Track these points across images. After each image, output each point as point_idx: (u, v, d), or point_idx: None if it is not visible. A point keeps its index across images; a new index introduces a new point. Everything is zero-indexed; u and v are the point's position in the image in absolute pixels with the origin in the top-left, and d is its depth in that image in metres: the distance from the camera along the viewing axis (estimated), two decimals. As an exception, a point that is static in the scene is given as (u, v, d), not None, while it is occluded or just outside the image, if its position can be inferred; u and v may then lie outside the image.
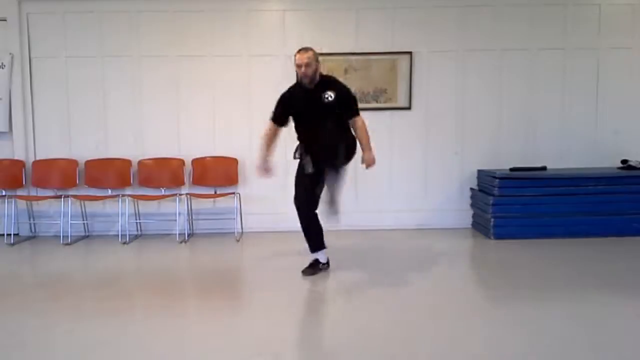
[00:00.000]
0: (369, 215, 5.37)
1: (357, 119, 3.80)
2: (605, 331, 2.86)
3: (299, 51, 3.72)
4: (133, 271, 4.32)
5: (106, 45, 5.31)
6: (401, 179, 5.46)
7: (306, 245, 4.01)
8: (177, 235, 5.10)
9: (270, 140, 3.98)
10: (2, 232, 5.15)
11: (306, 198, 3.90)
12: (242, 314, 3.29)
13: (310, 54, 3.69)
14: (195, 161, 5.34)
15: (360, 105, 3.91)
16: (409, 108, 5.38)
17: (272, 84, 5.29)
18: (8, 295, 3.60)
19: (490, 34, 5.34)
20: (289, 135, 5.14)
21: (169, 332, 2.91)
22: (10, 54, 5.27)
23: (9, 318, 3.15)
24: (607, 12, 5.34)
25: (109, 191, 5.26)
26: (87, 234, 5.36)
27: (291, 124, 4.03)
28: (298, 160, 4.00)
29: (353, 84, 4.65)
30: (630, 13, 5.36)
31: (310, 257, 4.01)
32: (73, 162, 5.30)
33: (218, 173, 5.33)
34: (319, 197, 3.95)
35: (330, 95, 3.72)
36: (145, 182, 5.31)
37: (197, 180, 5.31)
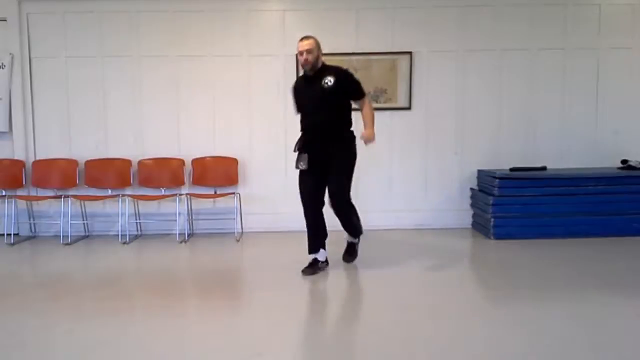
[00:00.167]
0: (369, 215, 5.34)
1: (364, 99, 3.89)
2: (605, 331, 2.86)
3: (301, 39, 3.80)
4: (133, 271, 4.32)
5: (106, 45, 5.31)
6: (401, 179, 5.46)
7: (307, 244, 4.02)
8: (177, 235, 5.10)
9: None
10: (2, 232, 5.15)
11: (309, 195, 3.91)
12: (242, 314, 3.29)
13: (311, 41, 3.77)
14: (195, 161, 5.34)
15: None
16: (409, 108, 5.38)
17: (272, 84, 5.34)
18: (8, 295, 3.60)
19: (490, 34, 5.34)
20: (288, 134, 5.17)
21: (169, 332, 2.91)
22: (10, 54, 5.27)
23: (9, 318, 3.15)
24: (607, 12, 5.34)
25: (109, 191, 5.26)
26: (87, 234, 5.37)
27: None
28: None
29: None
30: (630, 13, 5.36)
31: (309, 257, 4.01)
32: (73, 162, 5.31)
33: (218, 173, 5.33)
34: (322, 195, 3.95)
35: (329, 80, 3.77)
36: (145, 182, 5.31)
37: (197, 180, 5.32)
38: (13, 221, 5.13)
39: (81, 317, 3.14)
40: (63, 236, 5.04)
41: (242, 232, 5.31)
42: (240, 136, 5.39)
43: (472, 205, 5.43)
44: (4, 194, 5.24)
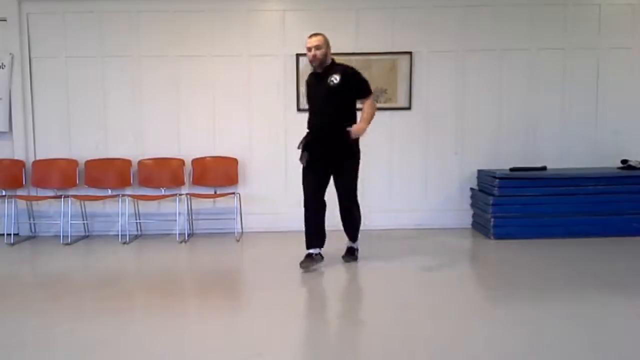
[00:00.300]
0: (369, 215, 5.35)
1: (368, 99, 3.94)
2: (605, 331, 2.86)
3: (310, 36, 3.87)
4: (133, 271, 4.32)
5: (106, 45, 5.31)
6: (401, 179, 5.46)
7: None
8: (177, 235, 5.10)
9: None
10: (2, 232, 5.15)
11: (312, 194, 3.96)
12: (242, 314, 3.29)
13: (320, 37, 3.84)
14: (195, 161, 5.34)
15: (361, 106, 3.96)
16: (409, 108, 5.38)
17: (272, 84, 5.34)
18: (8, 295, 3.60)
19: (490, 34, 5.33)
20: (288, 134, 5.17)
21: (169, 332, 2.91)
22: (10, 54, 5.27)
23: (9, 318, 3.15)
24: (607, 12, 5.34)
25: (109, 191, 5.26)
26: (87, 234, 5.36)
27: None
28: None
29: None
30: (630, 13, 5.36)
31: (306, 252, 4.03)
32: (73, 162, 5.31)
33: (218, 173, 5.33)
34: (323, 194, 4.02)
35: (335, 78, 3.83)
36: (145, 182, 5.31)
37: (197, 180, 5.31)
38: (13, 221, 5.13)
39: (81, 317, 3.14)
40: (63, 236, 5.04)
41: (242, 232, 5.31)
42: (240, 136, 5.39)
43: (472, 205, 5.43)
44: (4, 194, 5.24)
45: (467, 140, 5.43)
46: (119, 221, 5.14)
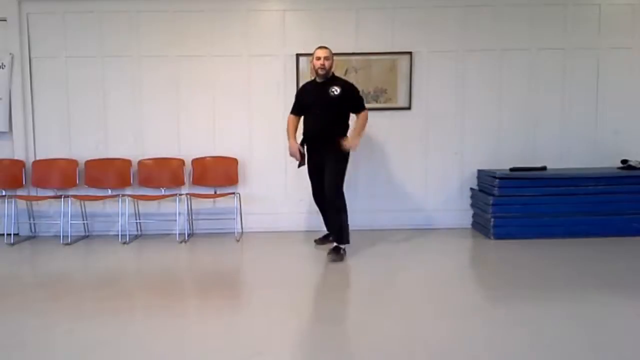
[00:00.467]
0: (369, 215, 5.37)
1: (363, 113, 4.35)
2: (605, 331, 2.86)
3: (319, 47, 4.26)
4: (133, 271, 4.32)
5: (106, 45, 5.31)
6: (401, 179, 5.45)
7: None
8: (177, 235, 5.10)
9: (294, 128, 4.45)
10: (2, 232, 5.15)
11: (316, 194, 4.44)
12: (242, 314, 3.29)
13: (329, 50, 4.26)
14: (195, 161, 5.34)
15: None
16: (409, 108, 5.38)
17: (272, 84, 5.34)
18: (8, 295, 3.60)
19: (490, 34, 5.33)
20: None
21: (169, 332, 2.91)
22: (10, 54, 5.27)
23: (9, 318, 3.16)
24: (607, 12, 5.34)
25: (109, 191, 5.26)
26: (87, 234, 5.36)
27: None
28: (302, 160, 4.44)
29: (353, 84, 4.66)
30: (630, 13, 5.36)
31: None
32: (73, 162, 5.31)
33: (218, 173, 5.33)
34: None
35: (336, 90, 4.20)
36: (145, 182, 5.31)
37: (197, 180, 5.31)
38: (13, 221, 5.13)
39: (81, 317, 3.14)
40: (63, 236, 5.04)
41: (242, 232, 5.30)
42: (240, 136, 5.39)
43: (472, 205, 5.43)
44: (4, 194, 5.24)
45: (467, 140, 5.43)
46: (119, 221, 5.14)
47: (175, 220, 5.13)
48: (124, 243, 5.00)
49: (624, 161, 5.26)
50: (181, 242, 5.03)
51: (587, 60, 5.39)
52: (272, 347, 2.69)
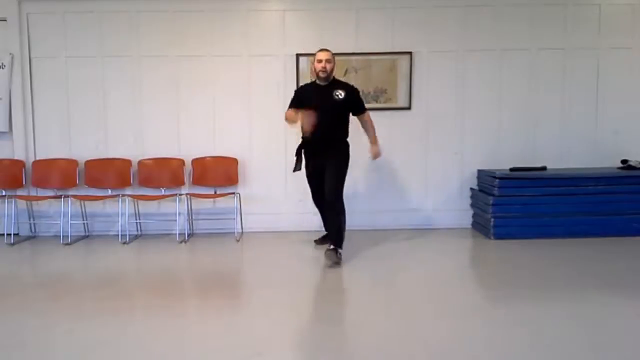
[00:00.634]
0: (369, 215, 5.37)
1: (366, 114, 4.36)
2: (605, 331, 2.86)
3: (321, 50, 4.20)
4: (133, 271, 4.32)
5: (106, 45, 5.31)
6: (401, 179, 5.45)
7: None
8: (177, 235, 5.10)
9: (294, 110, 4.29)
10: (2, 232, 5.15)
11: (317, 198, 4.40)
12: (242, 314, 3.29)
13: (330, 52, 4.20)
14: (195, 161, 5.34)
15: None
16: (409, 108, 5.38)
17: (272, 84, 5.34)
18: (8, 295, 3.60)
19: (490, 34, 5.33)
20: (288, 134, 5.17)
21: (169, 332, 2.91)
22: (10, 54, 5.27)
23: (9, 318, 3.16)
24: (607, 12, 5.34)
25: (109, 191, 5.26)
26: (87, 234, 5.36)
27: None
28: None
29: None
30: (630, 13, 5.36)
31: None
32: (73, 162, 5.31)
33: (218, 173, 5.33)
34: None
35: (340, 93, 4.20)
36: (145, 182, 5.31)
37: (197, 180, 5.31)
38: (13, 221, 5.13)
39: (81, 317, 3.14)
40: (63, 236, 5.04)
41: (242, 232, 5.30)
42: (240, 136, 5.39)
43: (472, 205, 5.43)
44: (4, 194, 5.24)
45: (467, 140, 5.43)
46: (119, 221, 5.14)
47: (175, 220, 5.13)
48: (124, 243, 5.00)
49: (624, 161, 5.26)
50: (181, 242, 5.03)
51: (587, 60, 5.39)
52: (272, 347, 2.69)
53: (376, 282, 3.85)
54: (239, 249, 4.86)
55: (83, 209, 5.32)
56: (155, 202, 5.29)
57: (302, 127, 4.23)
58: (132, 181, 5.29)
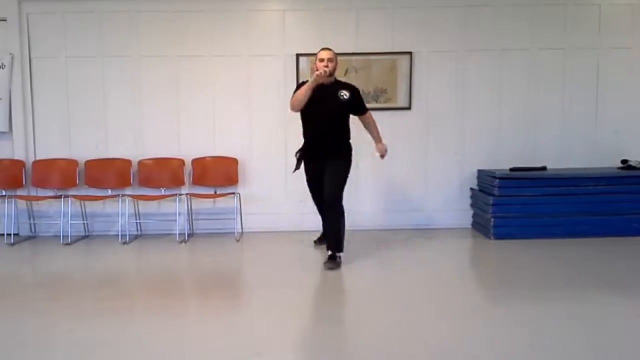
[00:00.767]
0: (369, 215, 5.37)
1: (368, 114, 4.29)
2: (605, 331, 2.86)
3: (323, 49, 4.11)
4: (133, 271, 4.32)
5: (106, 45, 5.30)
6: (401, 178, 5.46)
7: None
8: (177, 235, 5.10)
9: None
10: (2, 232, 5.15)
11: (318, 195, 4.29)
12: (242, 314, 3.29)
13: (332, 52, 4.12)
14: (195, 161, 5.34)
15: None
16: (409, 108, 5.38)
17: (272, 84, 5.34)
18: (8, 295, 3.60)
19: (490, 34, 5.33)
20: (288, 134, 5.17)
21: (169, 332, 2.91)
22: (10, 54, 5.27)
23: (9, 318, 3.15)
24: (607, 12, 5.34)
25: (109, 191, 5.26)
26: (87, 234, 5.36)
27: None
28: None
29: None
30: (630, 13, 5.36)
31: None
32: (73, 162, 5.30)
33: (218, 173, 5.33)
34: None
35: (345, 94, 4.11)
36: (145, 182, 5.31)
37: (197, 180, 5.31)
38: (13, 221, 5.13)
39: (81, 317, 3.14)
40: (63, 236, 5.04)
41: (242, 232, 5.30)
42: (240, 136, 5.39)
43: (472, 205, 5.43)
44: (4, 194, 5.24)
45: (467, 140, 5.43)
46: (119, 221, 5.14)
47: (175, 220, 5.13)
48: (124, 243, 5.00)
49: (624, 161, 5.26)
50: (181, 242, 5.03)
51: (587, 60, 5.39)
52: (272, 347, 2.69)
53: (376, 282, 3.85)
54: (239, 249, 4.86)
55: (83, 209, 5.32)
56: (155, 202, 5.29)
57: (306, 130, 4.18)
58: (132, 181, 5.29)
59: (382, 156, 4.32)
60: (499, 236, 4.91)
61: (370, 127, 4.30)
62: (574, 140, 5.43)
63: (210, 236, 5.25)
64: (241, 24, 5.30)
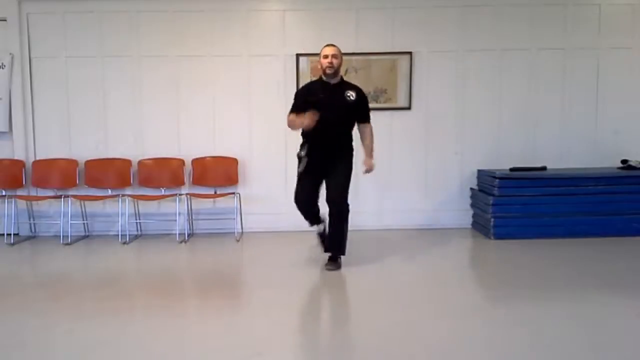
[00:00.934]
0: (369, 215, 5.37)
1: (369, 124, 4.10)
2: (605, 331, 2.86)
3: (327, 45, 3.95)
4: (133, 271, 4.32)
5: (106, 45, 5.30)
6: (401, 179, 5.45)
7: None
8: (177, 235, 5.09)
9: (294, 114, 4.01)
10: (2, 232, 5.15)
11: (307, 200, 4.08)
12: (242, 314, 3.29)
13: (337, 48, 3.94)
14: (195, 161, 5.34)
15: (360, 106, 4.04)
16: (409, 108, 5.38)
17: (272, 84, 5.34)
18: (8, 295, 3.60)
19: (490, 34, 5.33)
20: (288, 134, 5.16)
21: (169, 332, 2.91)
22: (10, 54, 5.27)
23: (9, 318, 3.16)
24: (607, 12, 5.34)
25: (109, 191, 5.26)
26: (87, 234, 5.36)
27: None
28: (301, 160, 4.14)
29: (353, 84, 4.65)
30: (630, 13, 5.36)
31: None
32: (73, 162, 5.30)
33: (218, 173, 5.33)
34: (317, 198, 4.10)
35: (352, 95, 3.97)
36: (145, 182, 5.31)
37: (197, 180, 5.31)
38: (13, 221, 5.12)
39: (81, 317, 3.14)
40: (63, 236, 5.04)
41: (242, 232, 5.30)
42: (240, 136, 5.39)
43: (472, 205, 5.43)
44: (4, 194, 5.24)
45: (467, 140, 5.43)
46: (119, 221, 5.14)
47: (175, 220, 5.13)
48: (124, 243, 5.00)
49: (624, 161, 5.26)
50: (181, 242, 5.03)
51: (587, 60, 5.39)
52: (272, 347, 2.69)
53: (376, 282, 3.85)
54: (239, 249, 4.86)
55: (83, 209, 5.32)
56: (155, 202, 5.29)
57: (302, 130, 4.02)
58: (132, 181, 5.29)
59: (368, 171, 4.07)
60: (499, 236, 4.91)
61: (367, 139, 4.09)
62: (574, 140, 5.43)
63: (210, 236, 5.25)
64: (241, 24, 5.30)
